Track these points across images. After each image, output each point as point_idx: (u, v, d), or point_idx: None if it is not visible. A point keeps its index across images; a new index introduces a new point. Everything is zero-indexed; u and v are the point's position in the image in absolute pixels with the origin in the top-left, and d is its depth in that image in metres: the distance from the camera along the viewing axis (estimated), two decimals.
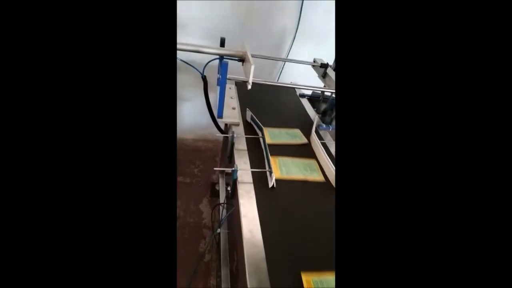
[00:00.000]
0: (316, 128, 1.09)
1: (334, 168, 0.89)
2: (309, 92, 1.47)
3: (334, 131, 1.19)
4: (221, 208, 1.34)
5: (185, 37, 1.71)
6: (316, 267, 0.63)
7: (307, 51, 1.80)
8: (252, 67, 0.88)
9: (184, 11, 1.63)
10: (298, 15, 1.75)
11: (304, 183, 0.88)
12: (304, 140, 1.08)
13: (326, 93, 1.27)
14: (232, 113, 1.15)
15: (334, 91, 1.06)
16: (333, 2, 1.74)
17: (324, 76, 1.20)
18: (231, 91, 1.33)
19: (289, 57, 1.88)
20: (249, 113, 1.12)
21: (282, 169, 0.90)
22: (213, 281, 1.37)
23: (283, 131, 1.11)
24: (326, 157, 0.93)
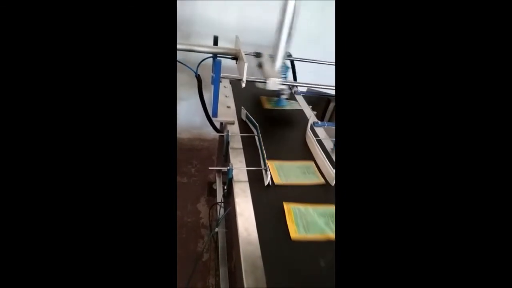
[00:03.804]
0: (311, 125, 1.09)
1: (329, 164, 0.89)
2: (304, 89, 1.47)
3: (329, 128, 1.19)
4: (218, 207, 1.33)
5: (178, 36, 1.70)
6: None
7: (302, 48, 1.80)
8: (246, 65, 0.87)
9: (177, 10, 1.62)
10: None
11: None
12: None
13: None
14: (227, 112, 1.14)
15: (332, 87, 1.04)
16: (324, 2, 1.74)
17: (260, 66, 1.13)
18: (226, 89, 1.33)
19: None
20: (244, 112, 1.12)
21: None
22: (211, 281, 1.37)
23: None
24: (322, 154, 0.93)
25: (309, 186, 0.85)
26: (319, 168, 0.92)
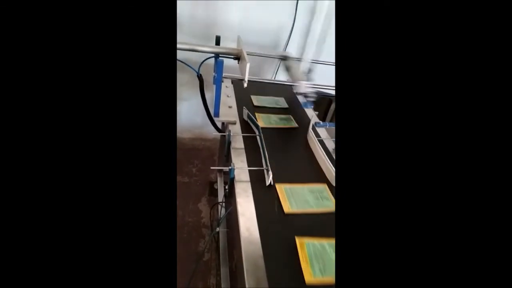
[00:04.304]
0: (313, 125, 1.09)
1: (330, 164, 0.89)
2: None
3: (330, 128, 1.19)
4: (219, 207, 1.33)
5: (180, 36, 1.70)
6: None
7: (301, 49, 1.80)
8: (248, 65, 0.87)
9: (179, 9, 1.62)
10: (294, 12, 1.75)
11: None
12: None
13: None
14: (228, 112, 1.14)
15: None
16: (327, 3, 1.74)
17: (287, 69, 1.14)
18: (228, 89, 1.33)
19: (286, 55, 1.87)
20: (245, 111, 1.12)
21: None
22: (212, 280, 1.37)
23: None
24: (323, 154, 0.93)
25: (323, 215, 0.76)
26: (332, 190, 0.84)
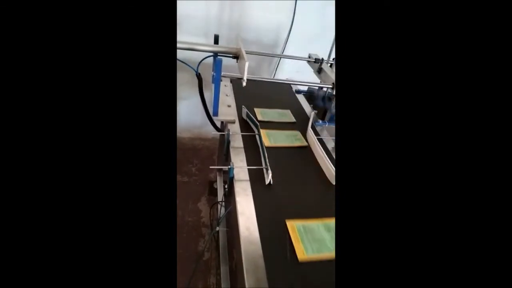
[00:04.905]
0: (312, 124, 1.08)
1: (330, 163, 0.89)
2: (305, 88, 1.47)
3: (329, 126, 1.19)
4: (219, 206, 1.33)
5: (178, 35, 1.69)
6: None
7: (302, 47, 1.80)
8: (247, 64, 0.87)
9: (178, 8, 1.61)
10: (293, 11, 1.75)
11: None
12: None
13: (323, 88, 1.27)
14: (227, 111, 1.14)
15: (329, 86, 1.05)
16: (325, 2, 1.74)
17: (319, 71, 1.19)
18: (226, 88, 1.33)
19: (285, 53, 1.87)
20: (244, 110, 1.12)
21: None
22: (212, 280, 1.37)
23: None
24: (323, 153, 0.93)
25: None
26: None
